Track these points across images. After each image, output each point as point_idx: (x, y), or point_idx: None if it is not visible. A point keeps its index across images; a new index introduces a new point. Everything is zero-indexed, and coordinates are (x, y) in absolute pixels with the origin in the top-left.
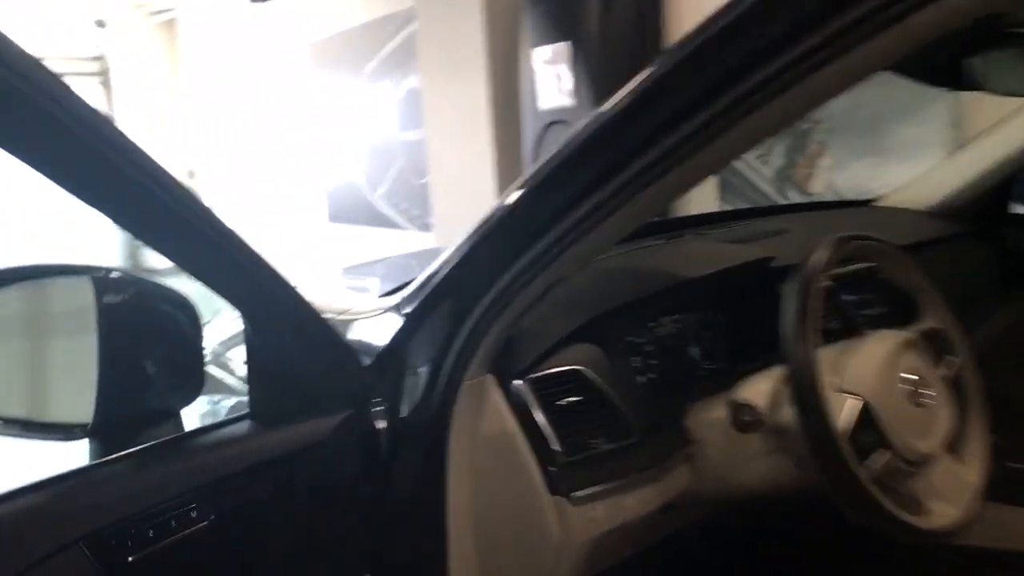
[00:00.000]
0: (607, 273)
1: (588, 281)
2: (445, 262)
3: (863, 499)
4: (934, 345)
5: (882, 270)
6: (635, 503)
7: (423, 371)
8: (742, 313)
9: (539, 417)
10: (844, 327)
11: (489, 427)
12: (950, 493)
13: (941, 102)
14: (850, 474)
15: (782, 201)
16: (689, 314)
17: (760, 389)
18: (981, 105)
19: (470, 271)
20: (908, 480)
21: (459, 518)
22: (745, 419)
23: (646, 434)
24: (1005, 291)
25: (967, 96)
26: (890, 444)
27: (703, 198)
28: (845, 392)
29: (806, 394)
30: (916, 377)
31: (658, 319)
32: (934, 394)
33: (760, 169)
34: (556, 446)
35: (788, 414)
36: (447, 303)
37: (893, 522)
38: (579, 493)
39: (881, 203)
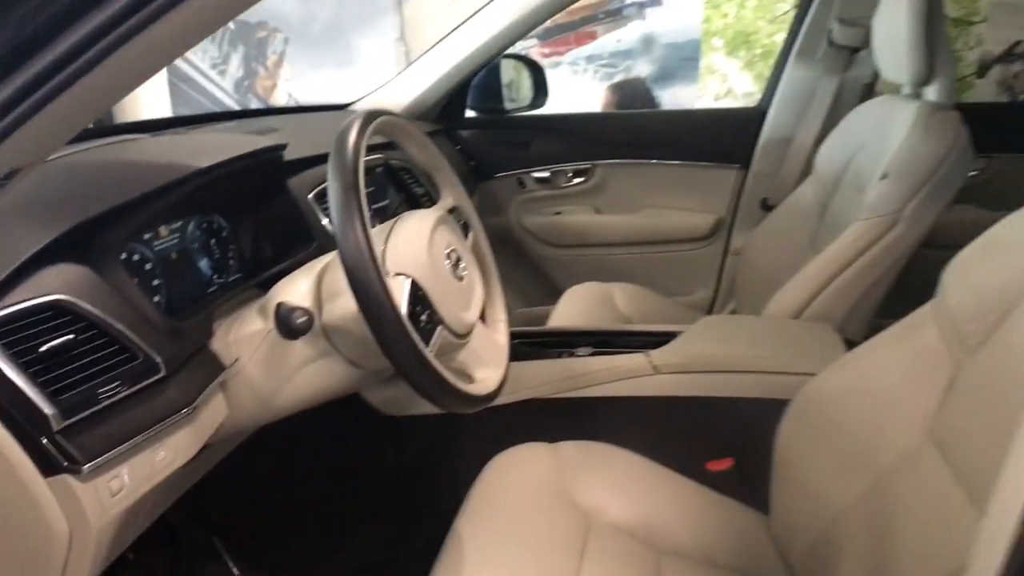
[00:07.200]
0: (83, 172)
1: (58, 182)
2: None
3: (433, 378)
4: (458, 220)
5: (404, 147)
6: (171, 455)
7: None
8: (251, 214)
9: (10, 372)
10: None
11: None
12: (490, 358)
13: (389, 17)
14: (419, 355)
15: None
16: (193, 218)
17: (300, 289)
18: (422, 24)
19: None
20: (458, 352)
21: None
22: (297, 322)
23: (175, 367)
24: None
25: (409, 14)
26: (442, 320)
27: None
28: (395, 274)
29: (365, 278)
30: (452, 251)
31: (157, 227)
32: (466, 266)
33: (218, 80)
34: (47, 408)
35: (341, 307)
36: None
37: (458, 395)
38: (91, 465)
39: (356, 107)
